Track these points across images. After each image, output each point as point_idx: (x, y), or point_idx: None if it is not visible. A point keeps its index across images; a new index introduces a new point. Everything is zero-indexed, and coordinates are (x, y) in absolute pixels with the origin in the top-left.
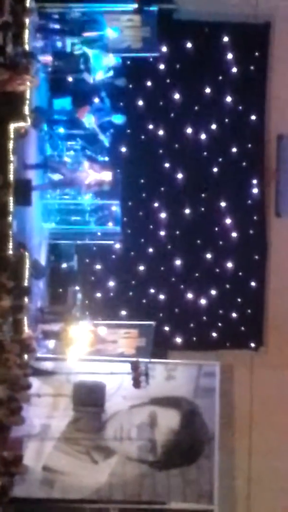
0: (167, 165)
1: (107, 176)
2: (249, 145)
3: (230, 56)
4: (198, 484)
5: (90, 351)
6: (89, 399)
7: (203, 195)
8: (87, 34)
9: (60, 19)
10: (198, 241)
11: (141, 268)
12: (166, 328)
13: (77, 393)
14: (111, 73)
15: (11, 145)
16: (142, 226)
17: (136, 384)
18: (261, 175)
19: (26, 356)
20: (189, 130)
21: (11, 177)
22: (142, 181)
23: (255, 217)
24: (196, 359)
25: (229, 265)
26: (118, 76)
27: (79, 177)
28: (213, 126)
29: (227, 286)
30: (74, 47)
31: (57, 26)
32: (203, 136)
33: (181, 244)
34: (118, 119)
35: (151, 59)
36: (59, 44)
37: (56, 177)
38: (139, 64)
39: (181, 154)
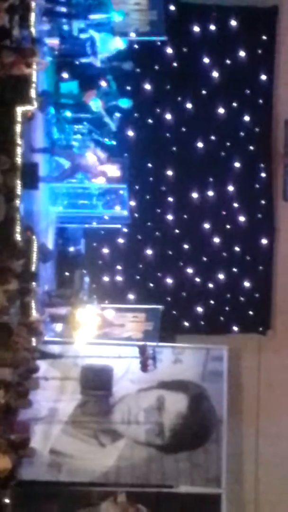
0: (174, 149)
1: (114, 171)
2: (257, 129)
3: (237, 39)
4: (206, 468)
5: (97, 334)
6: (97, 382)
7: (210, 179)
8: (93, 17)
9: (66, 2)
10: (206, 225)
11: (149, 252)
12: (174, 312)
13: (85, 376)
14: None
15: (18, 128)
16: (150, 210)
17: (144, 367)
18: (269, 159)
19: (33, 340)
20: (196, 114)
21: (19, 160)
22: (149, 165)
23: (262, 201)
24: (204, 343)
25: (237, 249)
26: (125, 60)
27: (86, 164)
28: (221, 110)
29: (235, 270)
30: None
31: (63, 9)
32: (210, 120)
33: (188, 228)
34: (125, 103)
35: (158, 43)
36: (65, 27)
37: (63, 161)
38: (146, 47)
39: (188, 138)
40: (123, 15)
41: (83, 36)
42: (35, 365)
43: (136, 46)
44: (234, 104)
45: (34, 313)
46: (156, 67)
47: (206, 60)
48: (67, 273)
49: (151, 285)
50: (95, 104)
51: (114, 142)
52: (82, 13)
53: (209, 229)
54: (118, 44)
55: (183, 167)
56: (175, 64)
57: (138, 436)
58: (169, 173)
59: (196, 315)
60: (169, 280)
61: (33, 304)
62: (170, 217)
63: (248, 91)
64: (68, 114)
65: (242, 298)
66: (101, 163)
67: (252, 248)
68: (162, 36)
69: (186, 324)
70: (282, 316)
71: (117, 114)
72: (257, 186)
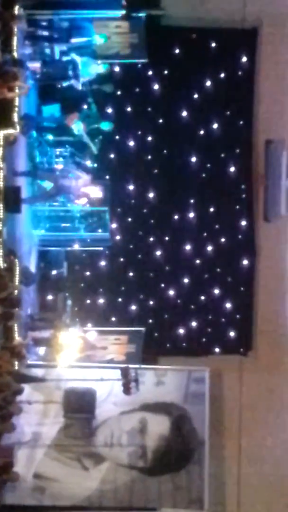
0: (155, 171)
1: (96, 193)
2: (238, 150)
3: (217, 61)
4: (188, 489)
5: (80, 357)
6: (80, 405)
7: (192, 200)
8: (75, 41)
9: (48, 26)
10: (187, 247)
11: (131, 274)
12: (156, 334)
13: (68, 399)
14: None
15: (0, 152)
16: (131, 232)
17: (126, 390)
18: (250, 180)
19: (16, 363)
20: (177, 136)
21: (1, 184)
22: (130, 187)
23: (243, 222)
24: (186, 365)
25: (218, 270)
26: (105, 82)
27: (69, 185)
28: (201, 132)
29: (216, 291)
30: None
31: (45, 33)
32: (191, 142)
33: (170, 250)
34: (106, 126)
35: (139, 65)
36: (47, 51)
37: (46, 184)
38: (127, 70)
39: (169, 160)
40: (105, 38)
41: (64, 59)
42: (19, 387)
43: (117, 69)
44: (215, 126)
45: (17, 337)
46: (137, 90)
47: (186, 82)
48: (49, 296)
49: (133, 307)
50: (77, 127)
51: (95, 165)
52: (64, 37)
53: (191, 251)
54: (98, 68)
55: (165, 189)
56: (156, 87)
57: (121, 459)
58: (151, 195)
59: (177, 337)
60: (151, 302)
61: (16, 328)
62: (151, 239)
63: (229, 112)
64: (50, 137)
65: (223, 320)
66: (84, 184)
67: (233, 269)
68: (143, 58)
69: (168, 345)
70: (263, 337)
71: (99, 137)
72: (238, 207)
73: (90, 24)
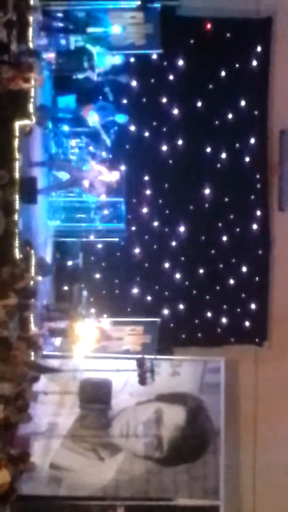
0: (170, 161)
1: (114, 175)
2: (252, 140)
3: (232, 51)
4: (204, 480)
5: (96, 348)
6: (96, 396)
7: (206, 191)
8: (91, 30)
9: (63, 17)
10: (202, 237)
11: (146, 265)
12: (171, 325)
13: (84, 390)
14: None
15: (16, 143)
16: (147, 223)
17: (142, 380)
18: (264, 169)
19: (32, 354)
20: (192, 126)
21: (17, 175)
22: (146, 178)
23: (258, 212)
24: (201, 355)
25: (233, 260)
26: (120, 73)
27: (85, 177)
28: (216, 122)
29: (231, 281)
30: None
31: (60, 24)
32: (206, 132)
33: (185, 240)
34: (121, 118)
35: (154, 56)
36: (63, 42)
37: (62, 175)
38: (142, 61)
39: (184, 151)
40: (122, 28)
41: (80, 50)
42: (35, 374)
43: (132, 59)
44: (230, 116)
45: (33, 328)
46: (152, 80)
47: (201, 72)
48: (65, 287)
49: (149, 298)
50: (92, 118)
51: (110, 156)
52: (79, 28)
53: (205, 241)
54: (113, 59)
55: (180, 180)
56: (171, 77)
57: (137, 449)
58: (166, 186)
59: (193, 327)
60: (166, 293)
61: (32, 319)
62: (166, 229)
63: (243, 102)
64: (65, 128)
65: (238, 310)
66: (99, 174)
67: (248, 259)
68: (158, 49)
69: (183, 336)
70: (279, 327)
71: (115, 128)
72: (253, 197)
73: (106, 15)
